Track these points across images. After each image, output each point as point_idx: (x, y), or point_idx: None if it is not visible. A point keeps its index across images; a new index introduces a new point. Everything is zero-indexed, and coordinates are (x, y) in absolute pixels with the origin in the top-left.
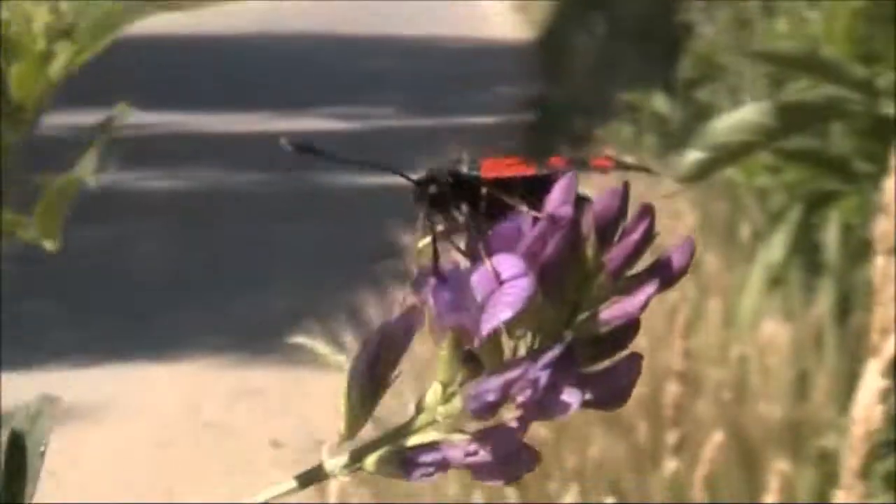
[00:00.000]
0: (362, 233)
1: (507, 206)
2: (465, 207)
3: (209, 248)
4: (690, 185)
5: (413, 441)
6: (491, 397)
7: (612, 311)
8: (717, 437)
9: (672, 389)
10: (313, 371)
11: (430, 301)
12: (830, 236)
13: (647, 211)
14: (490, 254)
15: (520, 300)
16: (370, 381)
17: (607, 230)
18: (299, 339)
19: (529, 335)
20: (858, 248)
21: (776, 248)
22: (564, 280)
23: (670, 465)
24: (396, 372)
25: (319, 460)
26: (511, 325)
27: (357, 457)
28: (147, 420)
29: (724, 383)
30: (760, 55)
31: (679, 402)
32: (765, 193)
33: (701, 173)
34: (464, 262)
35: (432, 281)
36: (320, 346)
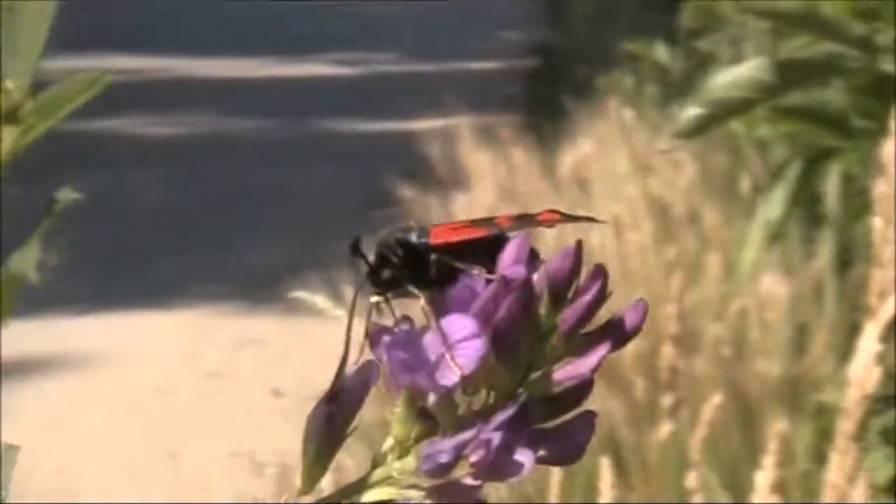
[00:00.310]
0: (361, 180)
1: (458, 270)
2: (417, 281)
3: (208, 195)
4: (689, 140)
5: (368, 497)
6: (444, 458)
7: (566, 372)
8: (716, 398)
9: (668, 351)
10: (314, 320)
11: (385, 361)
12: (831, 187)
13: (600, 272)
14: (443, 315)
15: (472, 361)
16: (327, 435)
17: (560, 290)
18: (299, 293)
19: (483, 392)
20: (859, 200)
21: (776, 204)
22: (518, 340)
23: (667, 427)
24: (353, 426)
25: None
26: (465, 384)
27: None
28: (147, 368)
29: (723, 339)
30: (759, 12)
31: (675, 365)
32: (765, 145)
33: (700, 128)
34: (418, 323)
35: (386, 341)
36: (320, 300)
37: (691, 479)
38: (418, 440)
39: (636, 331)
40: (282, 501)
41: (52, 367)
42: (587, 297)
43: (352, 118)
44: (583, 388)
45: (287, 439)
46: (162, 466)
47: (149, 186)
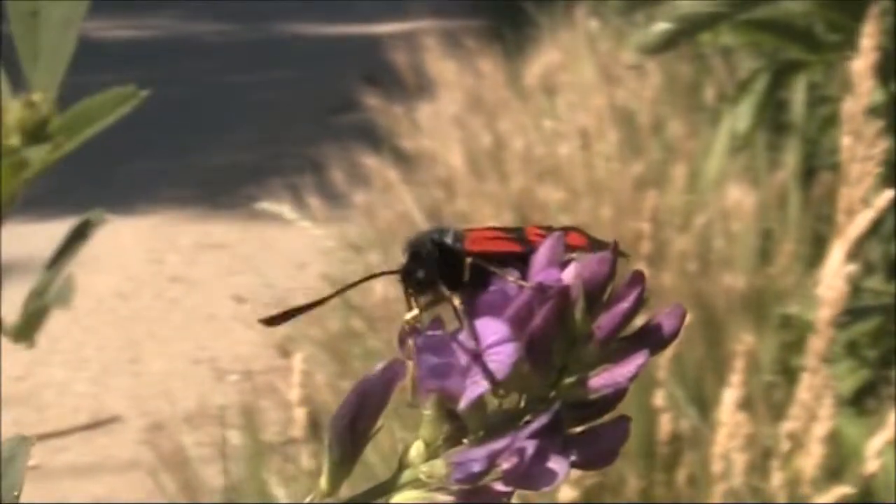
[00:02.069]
0: (323, 84)
1: (491, 274)
2: (450, 283)
3: (169, 99)
4: (656, 55)
5: (396, 499)
6: (476, 467)
7: (601, 380)
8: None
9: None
10: (276, 226)
11: (415, 365)
12: (796, 96)
13: (639, 279)
14: (475, 319)
15: (504, 366)
16: (351, 436)
17: (596, 295)
18: (265, 203)
19: (515, 396)
20: (823, 108)
21: (743, 116)
22: (552, 346)
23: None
24: (378, 426)
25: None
26: (496, 389)
27: None
28: (110, 272)
29: (689, 253)
30: None
31: (647, 286)
32: (730, 54)
33: (667, 44)
34: (449, 327)
35: (416, 345)
36: (286, 211)
37: (659, 398)
38: (446, 442)
39: (673, 337)
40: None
41: (14, 272)
42: (625, 305)
43: (314, 22)
44: (617, 395)
45: (249, 345)
46: (124, 371)
47: (108, 89)
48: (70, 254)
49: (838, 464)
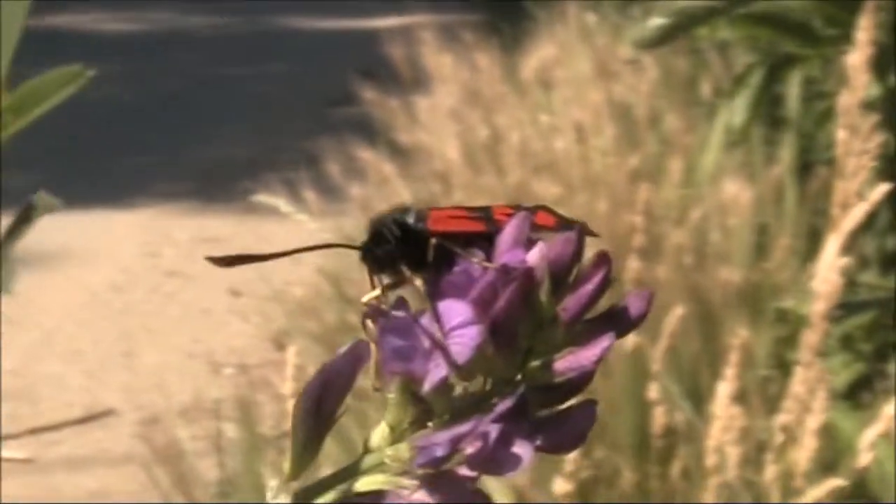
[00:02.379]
0: (319, 78)
1: (456, 255)
2: (413, 264)
3: (166, 92)
4: (653, 49)
5: (360, 484)
6: (439, 451)
7: (567, 363)
8: (678, 310)
9: (634, 265)
10: (271, 220)
11: (378, 347)
12: (791, 90)
13: (604, 259)
14: (439, 300)
15: (467, 349)
16: (316, 419)
17: (561, 276)
18: (261, 197)
19: (480, 379)
20: (819, 103)
21: (739, 111)
22: (517, 329)
23: (632, 339)
24: (342, 409)
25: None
26: (460, 371)
27: (301, 497)
28: (105, 266)
29: (684, 246)
30: None
31: (641, 278)
32: (727, 48)
33: (663, 38)
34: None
35: (379, 327)
36: (282, 204)
37: (653, 391)
38: (412, 426)
39: (641, 319)
40: (272, 491)
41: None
42: (590, 286)
43: (310, 15)
44: (583, 378)
45: (244, 339)
46: (119, 365)
47: (105, 84)
48: (13, 239)
49: (832, 457)
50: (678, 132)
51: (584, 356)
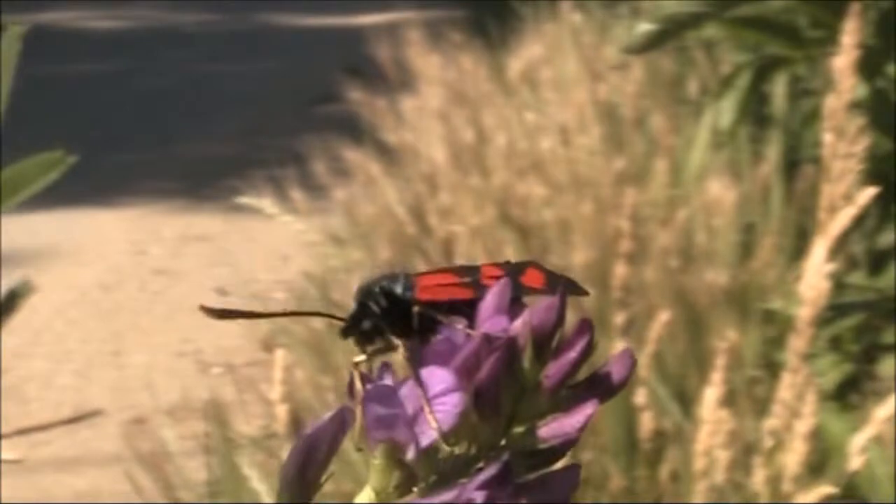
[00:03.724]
0: (305, 75)
1: (440, 323)
2: (399, 332)
3: (152, 89)
4: (640, 54)
5: None
6: None
7: (551, 430)
8: (664, 315)
9: (620, 270)
10: (258, 219)
11: (362, 415)
12: (777, 89)
13: (586, 327)
14: (422, 367)
15: (450, 416)
16: (300, 485)
17: (544, 342)
18: (246, 198)
19: (465, 443)
20: (805, 102)
21: (726, 113)
22: (500, 396)
23: (620, 345)
24: (328, 473)
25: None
26: (444, 437)
27: None
28: (93, 264)
29: (671, 248)
30: None
31: (627, 283)
32: (713, 48)
33: (651, 44)
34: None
35: (363, 395)
36: (267, 205)
37: (640, 396)
38: (396, 490)
39: (623, 384)
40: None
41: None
42: (572, 354)
43: (296, 13)
44: (567, 444)
45: (233, 338)
46: (107, 364)
47: (89, 80)
48: None
49: (821, 459)
50: (664, 132)
51: (567, 423)
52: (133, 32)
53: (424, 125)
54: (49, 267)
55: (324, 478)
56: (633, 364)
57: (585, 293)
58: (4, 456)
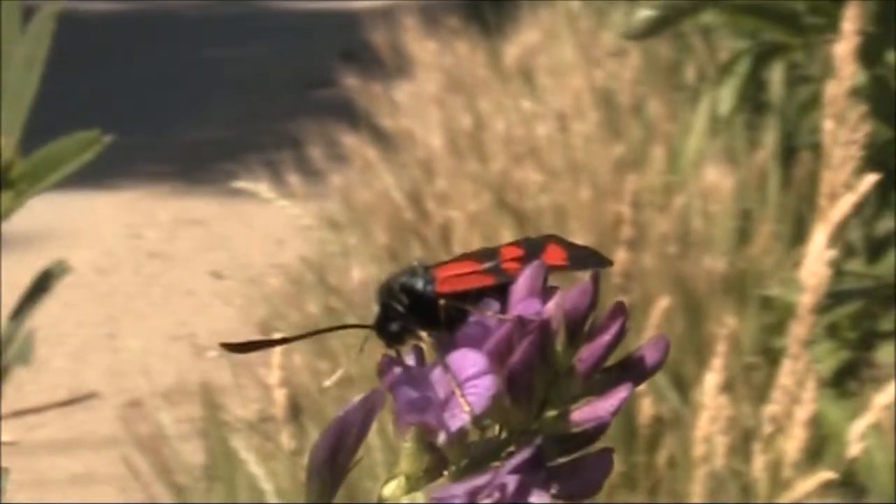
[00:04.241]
0: (300, 59)
1: (468, 312)
2: (426, 326)
3: (148, 72)
4: (640, 41)
5: None
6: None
7: (584, 414)
8: (663, 302)
9: (621, 256)
10: (253, 203)
11: (393, 398)
12: (775, 76)
13: (620, 311)
14: (454, 352)
15: (482, 399)
16: (331, 470)
17: (577, 327)
18: (243, 182)
19: (496, 427)
20: (803, 88)
21: (725, 100)
22: (533, 380)
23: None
24: (358, 457)
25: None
26: (476, 421)
27: None
28: (88, 247)
29: (669, 235)
30: None
31: (628, 270)
32: (710, 33)
33: (651, 30)
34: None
35: (393, 379)
36: (263, 189)
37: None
38: (426, 475)
39: (657, 368)
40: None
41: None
42: (606, 337)
43: None
44: (600, 428)
45: (228, 321)
46: (102, 347)
47: (83, 62)
48: (31, 306)
49: (819, 444)
50: (661, 118)
51: (601, 407)
52: (126, 14)
53: (421, 111)
54: (43, 250)
55: (353, 462)
56: (667, 349)
57: (610, 263)
58: (1, 438)
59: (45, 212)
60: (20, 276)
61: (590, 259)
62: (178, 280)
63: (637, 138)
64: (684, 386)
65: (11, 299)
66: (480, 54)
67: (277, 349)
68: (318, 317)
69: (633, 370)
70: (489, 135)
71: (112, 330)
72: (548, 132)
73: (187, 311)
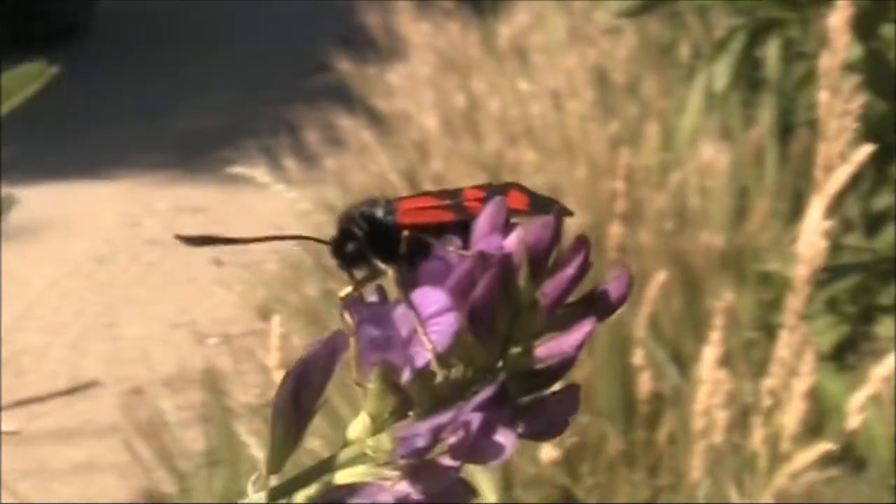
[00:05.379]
0: (296, 45)
1: (430, 244)
2: (384, 256)
3: (144, 61)
4: (634, 19)
5: (341, 476)
6: (421, 442)
7: (548, 349)
8: (660, 276)
9: (616, 230)
10: (251, 189)
11: (356, 338)
12: (770, 52)
13: (583, 243)
14: (416, 290)
15: (445, 337)
16: (294, 411)
17: (540, 261)
18: (240, 168)
19: (461, 366)
20: (798, 65)
21: (720, 76)
22: (495, 315)
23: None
24: (320, 401)
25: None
26: (439, 359)
27: (283, 491)
28: (86, 237)
29: (665, 211)
30: None
31: (623, 243)
32: (705, 11)
33: (645, 8)
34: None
35: (356, 317)
36: (260, 175)
37: (638, 357)
38: (392, 416)
39: (621, 302)
40: (252, 484)
41: None
42: (569, 271)
43: None
44: (565, 364)
45: (228, 308)
46: (102, 336)
47: (82, 54)
48: None
49: (818, 418)
50: (656, 96)
51: (565, 342)
52: (127, 4)
53: (416, 92)
54: (42, 240)
55: (318, 404)
56: (631, 283)
57: (570, 213)
58: (3, 427)
59: (43, 203)
60: (20, 266)
61: (550, 206)
62: (177, 267)
63: (632, 116)
64: (683, 361)
65: (12, 289)
66: (473, 35)
67: (275, 332)
68: (316, 300)
69: (597, 305)
70: (483, 115)
71: (112, 318)
72: (542, 111)
73: (187, 298)
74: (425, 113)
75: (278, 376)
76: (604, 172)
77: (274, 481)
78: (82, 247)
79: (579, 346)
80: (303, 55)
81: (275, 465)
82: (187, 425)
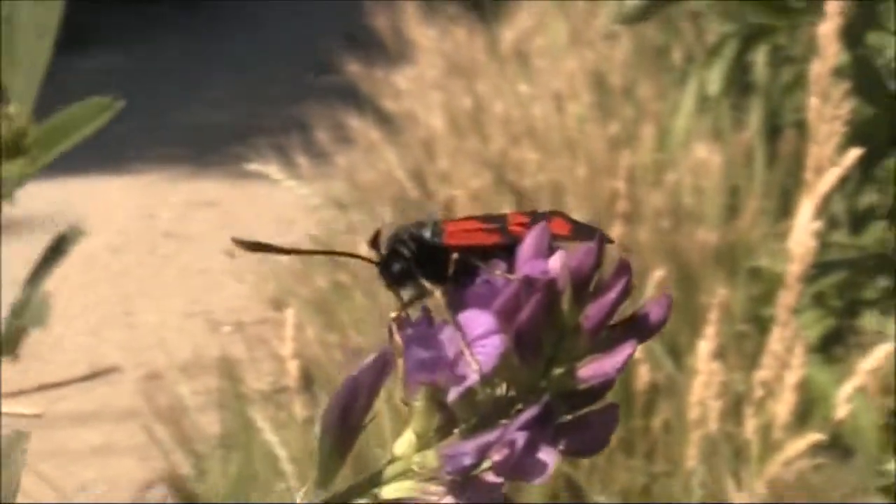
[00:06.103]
0: (305, 45)
1: (476, 267)
2: (432, 277)
3: (155, 57)
4: (631, 25)
5: (387, 491)
6: (467, 460)
7: (591, 370)
8: (658, 273)
9: (617, 230)
10: (262, 183)
11: (403, 358)
12: (759, 57)
13: (625, 268)
14: (461, 311)
15: (491, 358)
16: (343, 429)
17: (583, 286)
18: (254, 164)
19: (504, 385)
20: (787, 69)
21: (713, 81)
22: (540, 337)
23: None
24: (370, 416)
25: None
26: (484, 380)
27: None
28: (102, 230)
29: (661, 209)
30: None
31: (624, 243)
32: (698, 16)
33: (641, 15)
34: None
35: (404, 338)
36: (273, 170)
37: (636, 351)
38: (437, 433)
39: (661, 325)
40: (300, 499)
41: (11, 230)
42: (612, 295)
43: None
44: (606, 385)
45: (241, 298)
46: (119, 324)
47: (97, 49)
48: (47, 270)
49: (808, 408)
50: (651, 99)
51: (607, 363)
52: (134, 6)
53: (423, 94)
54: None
55: (365, 421)
56: (671, 306)
57: (611, 241)
58: (25, 411)
59: (59, 196)
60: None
61: (592, 233)
62: (191, 259)
63: (629, 118)
64: (678, 353)
65: None
66: (478, 39)
67: (290, 322)
68: (326, 291)
69: (637, 327)
70: (488, 116)
71: (128, 308)
72: (544, 113)
73: (201, 288)
74: (432, 113)
75: (292, 366)
76: (602, 171)
77: (321, 496)
78: (98, 239)
79: (621, 369)
80: (313, 54)
81: (323, 479)
82: (203, 410)
